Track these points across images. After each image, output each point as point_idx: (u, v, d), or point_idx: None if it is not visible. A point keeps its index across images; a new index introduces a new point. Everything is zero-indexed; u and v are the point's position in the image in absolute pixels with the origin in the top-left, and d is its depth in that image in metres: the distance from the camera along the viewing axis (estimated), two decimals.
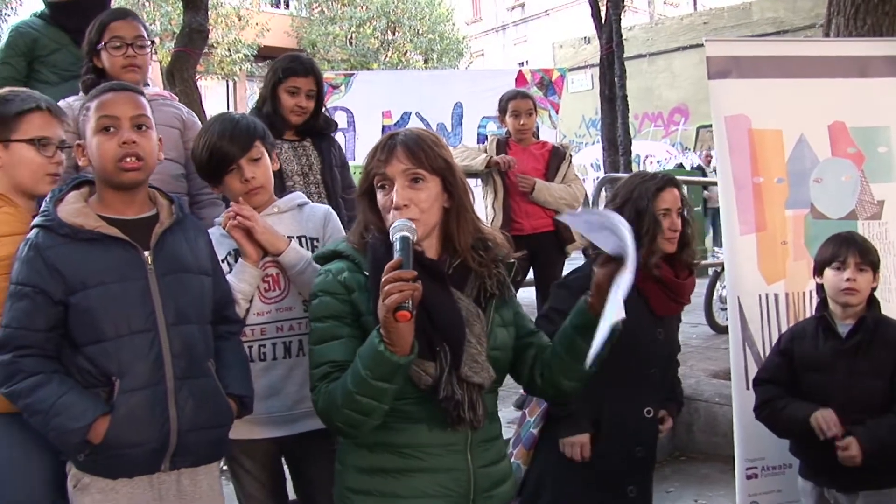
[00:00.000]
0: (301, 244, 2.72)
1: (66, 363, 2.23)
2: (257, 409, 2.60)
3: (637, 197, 2.98)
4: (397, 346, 1.86)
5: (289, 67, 3.58)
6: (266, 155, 2.71)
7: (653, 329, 3.03)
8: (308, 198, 3.15)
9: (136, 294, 2.25)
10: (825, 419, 3.03)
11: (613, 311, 1.98)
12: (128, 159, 2.27)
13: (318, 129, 3.71)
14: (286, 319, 2.69)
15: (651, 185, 3.01)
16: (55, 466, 2.36)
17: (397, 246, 1.90)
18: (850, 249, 3.14)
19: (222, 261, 2.65)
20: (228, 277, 2.62)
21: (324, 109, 3.73)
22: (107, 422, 2.17)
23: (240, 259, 2.65)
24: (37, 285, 2.19)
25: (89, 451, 2.19)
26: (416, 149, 2.06)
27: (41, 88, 4.08)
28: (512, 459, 3.02)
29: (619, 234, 1.99)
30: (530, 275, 5.19)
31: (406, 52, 26.59)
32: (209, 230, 2.74)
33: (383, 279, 1.82)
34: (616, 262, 2.02)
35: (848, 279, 3.11)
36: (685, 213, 3.09)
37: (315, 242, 2.74)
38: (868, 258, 3.13)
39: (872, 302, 3.18)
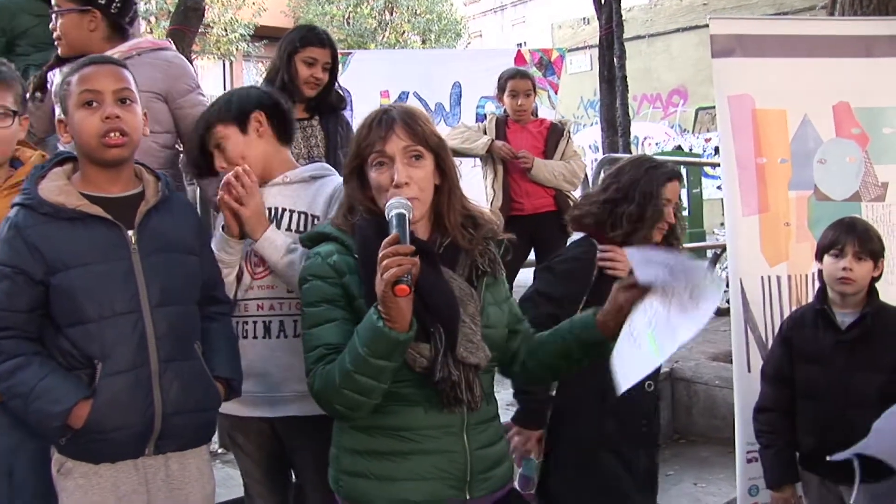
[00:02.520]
0: (290, 218, 2.65)
1: (48, 345, 2.18)
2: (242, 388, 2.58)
3: (647, 181, 2.98)
4: (397, 323, 1.83)
5: (306, 37, 3.54)
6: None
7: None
8: None
9: (120, 274, 2.19)
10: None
11: (663, 350, 1.97)
12: (111, 135, 2.19)
13: (330, 105, 3.66)
14: (267, 298, 2.63)
15: (661, 173, 3.02)
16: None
17: (394, 223, 1.86)
18: (849, 237, 3.08)
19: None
20: (213, 244, 2.59)
21: (336, 85, 3.68)
22: (88, 406, 2.12)
23: (221, 231, 2.61)
24: (17, 266, 2.13)
25: (71, 436, 2.14)
26: (414, 125, 2.03)
27: (17, 61, 4.00)
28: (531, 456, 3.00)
29: (687, 273, 1.97)
30: (531, 256, 5.14)
31: (404, 32, 26.43)
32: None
33: (381, 254, 1.79)
34: (641, 290, 2.01)
35: (844, 268, 3.06)
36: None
37: (316, 220, 2.64)
38: (868, 247, 3.06)
39: (872, 292, 3.12)
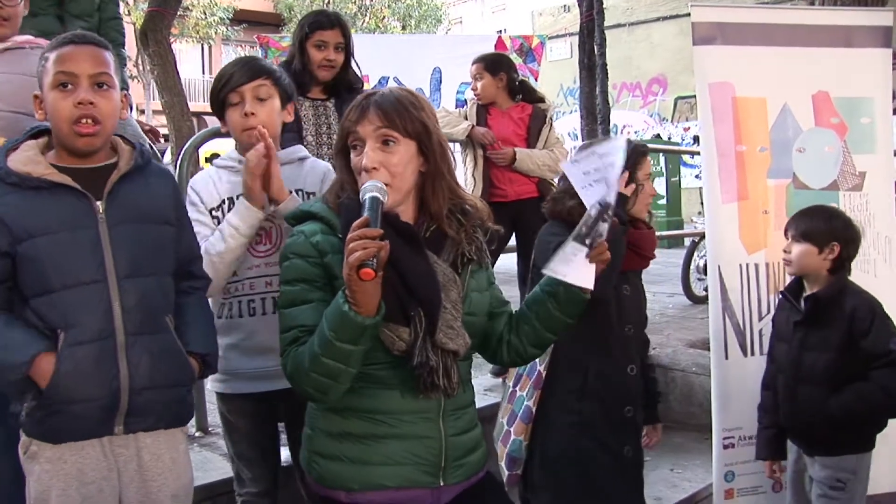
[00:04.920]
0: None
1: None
2: (250, 366, 2.62)
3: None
4: (362, 307, 1.82)
5: (314, 21, 3.62)
6: (277, 99, 2.63)
7: (619, 285, 3.02)
8: (319, 158, 3.12)
9: (86, 244, 2.13)
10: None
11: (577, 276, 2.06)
12: (83, 121, 2.13)
13: (347, 84, 3.71)
14: (275, 275, 2.56)
15: (632, 151, 3.02)
16: None
17: (366, 205, 1.86)
18: (792, 221, 3.25)
19: (216, 208, 2.62)
20: (228, 216, 2.56)
21: (353, 62, 3.73)
22: (52, 360, 2.07)
23: (242, 198, 2.57)
24: None
25: (34, 402, 2.09)
26: (389, 110, 2.01)
27: None
28: (512, 436, 3.00)
29: (608, 183, 2.04)
30: (512, 241, 5.12)
31: (384, 17, 26.34)
32: (206, 170, 2.72)
33: (348, 237, 1.78)
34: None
35: (783, 249, 3.25)
36: None
37: (310, 196, 2.67)
38: (805, 231, 3.18)
39: (838, 276, 3.19)
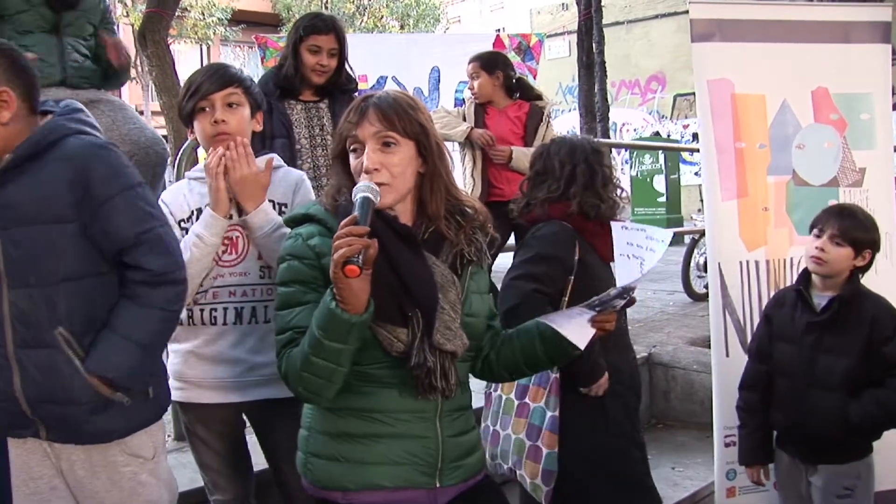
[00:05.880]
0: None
1: None
2: (207, 375, 2.56)
3: (580, 149, 3.04)
4: (349, 304, 1.81)
5: (310, 25, 3.59)
6: (247, 108, 2.60)
7: (610, 275, 3.00)
8: (314, 161, 3.05)
9: None
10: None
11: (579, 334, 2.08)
12: None
13: (340, 87, 3.70)
14: (239, 285, 2.58)
15: (595, 144, 3.11)
16: None
17: (356, 205, 1.86)
18: (832, 219, 3.11)
19: (186, 220, 2.57)
20: (193, 226, 2.51)
21: (346, 66, 3.71)
22: None
23: (208, 209, 2.53)
24: None
25: None
26: (389, 112, 2.01)
27: None
28: (546, 451, 2.89)
29: (642, 267, 2.07)
30: (511, 240, 5.11)
31: (382, 17, 26.36)
32: (178, 183, 2.66)
33: (335, 234, 1.78)
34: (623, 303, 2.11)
35: (817, 247, 3.09)
36: None
37: (283, 208, 2.63)
38: (850, 235, 3.07)
39: (853, 279, 3.13)
